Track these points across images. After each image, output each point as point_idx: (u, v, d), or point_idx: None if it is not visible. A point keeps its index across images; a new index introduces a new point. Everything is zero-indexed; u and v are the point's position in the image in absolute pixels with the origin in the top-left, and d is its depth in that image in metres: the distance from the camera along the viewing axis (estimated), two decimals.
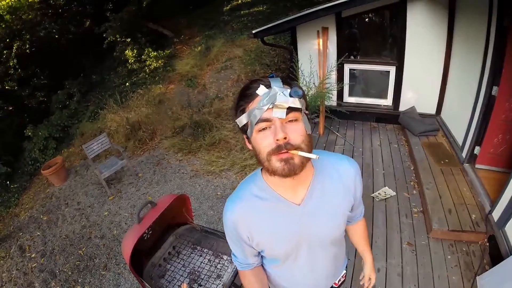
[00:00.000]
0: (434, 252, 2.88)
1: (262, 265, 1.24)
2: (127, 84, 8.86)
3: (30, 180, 6.65)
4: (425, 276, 2.65)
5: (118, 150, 5.51)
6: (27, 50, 9.53)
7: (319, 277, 1.22)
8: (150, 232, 2.14)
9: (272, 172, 0.88)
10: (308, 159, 0.88)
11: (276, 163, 0.85)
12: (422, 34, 4.44)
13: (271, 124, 0.83)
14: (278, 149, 0.83)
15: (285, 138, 0.81)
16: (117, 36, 9.18)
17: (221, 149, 5.57)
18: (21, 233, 4.76)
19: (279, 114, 0.81)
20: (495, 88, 3.18)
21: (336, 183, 1.06)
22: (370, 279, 1.44)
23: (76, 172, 6.05)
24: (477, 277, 2.54)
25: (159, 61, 9.12)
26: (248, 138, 0.92)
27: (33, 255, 4.21)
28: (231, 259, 2.28)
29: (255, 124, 0.84)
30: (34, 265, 4.05)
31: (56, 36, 9.90)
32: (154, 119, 6.91)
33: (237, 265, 1.21)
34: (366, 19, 5.03)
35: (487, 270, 2.57)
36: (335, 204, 1.06)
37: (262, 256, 1.20)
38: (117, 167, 5.05)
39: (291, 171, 0.85)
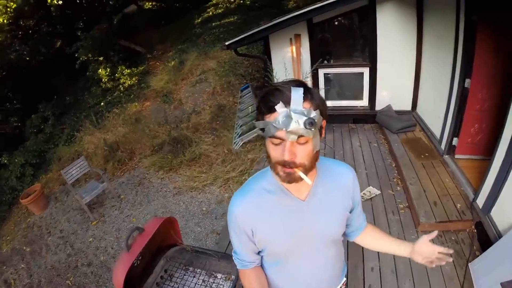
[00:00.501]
0: None
1: (262, 269, 1.25)
2: (102, 103, 8.72)
3: (9, 210, 6.40)
4: (419, 270, 2.66)
5: (98, 173, 5.35)
6: None
7: (320, 278, 1.22)
8: (140, 258, 2.06)
9: (276, 175, 0.97)
10: (310, 169, 0.95)
11: (280, 171, 0.93)
12: (393, 34, 4.57)
13: (283, 142, 0.89)
14: (283, 163, 0.91)
15: (291, 159, 0.89)
16: (89, 55, 9.05)
17: (202, 164, 5.51)
18: (4, 267, 4.54)
19: (291, 138, 0.86)
20: (467, 81, 3.29)
21: (336, 184, 1.12)
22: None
23: (56, 198, 5.84)
24: (469, 264, 2.59)
25: (133, 79, 9.02)
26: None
27: None
28: (225, 277, 2.23)
29: (269, 137, 0.90)
30: None
31: (27, 58, 9.72)
32: (132, 138, 6.79)
33: (237, 264, 1.22)
34: (337, 24, 5.16)
35: (478, 256, 2.62)
36: (336, 203, 1.12)
37: (262, 258, 1.21)
38: (98, 190, 4.91)
39: (292, 181, 0.94)
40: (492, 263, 2.34)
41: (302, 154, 0.90)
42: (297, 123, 0.84)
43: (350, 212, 1.19)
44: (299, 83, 0.90)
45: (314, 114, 0.86)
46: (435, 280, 2.56)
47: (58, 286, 3.87)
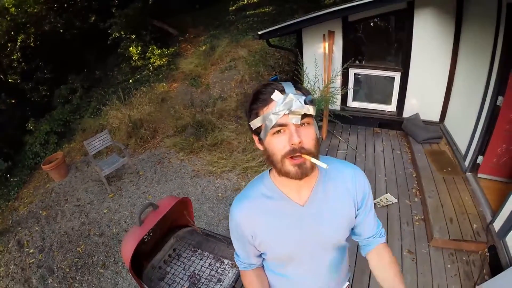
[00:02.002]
0: (434, 260, 2.86)
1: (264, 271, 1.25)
2: (131, 81, 8.86)
3: (30, 174, 6.64)
4: (425, 285, 2.63)
5: (120, 148, 5.50)
6: (31, 44, 9.52)
7: (321, 283, 1.21)
8: (151, 234, 2.13)
9: (285, 174, 0.93)
10: (317, 158, 0.92)
11: (289, 167, 0.90)
12: (428, 41, 4.42)
13: (286, 129, 0.88)
14: (292, 152, 0.88)
15: (299, 142, 0.87)
16: (122, 32, 9.17)
17: (223, 150, 5.57)
18: (19, 228, 4.74)
19: (294, 120, 0.86)
20: (500, 98, 3.17)
21: (339, 186, 1.08)
22: None
23: (76, 168, 6.04)
24: (477, 287, 2.53)
25: (163, 59, 9.10)
26: (260, 139, 0.96)
27: (31, 251, 4.21)
28: (232, 264, 2.27)
29: (271, 128, 0.88)
30: (32, 260, 4.04)
31: (61, 31, 9.87)
32: (156, 118, 6.91)
33: (239, 265, 1.23)
34: (373, 24, 5.03)
35: (486, 280, 2.56)
36: (338, 207, 1.08)
37: (265, 260, 1.21)
38: (118, 164, 5.05)
39: (303, 174, 0.91)
40: None
41: (308, 139, 0.89)
42: (299, 102, 0.86)
43: (356, 217, 1.13)
44: (283, 80, 0.93)
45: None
46: None
47: (68, 252, 4.02)
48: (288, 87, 0.89)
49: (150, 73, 8.90)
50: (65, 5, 9.88)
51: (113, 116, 7.08)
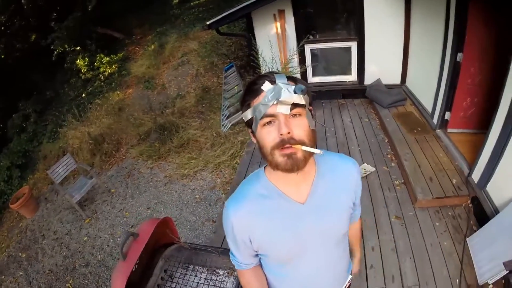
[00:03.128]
0: (422, 221, 2.92)
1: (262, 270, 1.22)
2: (83, 95, 8.48)
3: (0, 216, 6.21)
4: (418, 247, 2.69)
5: (85, 169, 5.21)
6: None
7: (324, 280, 1.18)
8: (137, 263, 1.99)
9: (275, 166, 0.89)
10: (311, 154, 0.89)
11: (279, 157, 0.87)
12: (380, 6, 4.45)
13: (276, 119, 0.85)
14: (281, 143, 0.85)
15: (288, 133, 0.83)
16: (66, 46, 8.81)
17: (191, 150, 5.41)
18: (3, 276, 4.42)
19: (283, 109, 0.83)
20: (459, 55, 3.23)
21: (338, 181, 1.06)
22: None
23: (46, 199, 5.70)
24: (467, 239, 2.62)
25: (113, 66, 8.75)
26: (253, 132, 0.93)
27: None
28: (228, 273, 2.19)
29: (260, 119, 0.85)
30: None
31: (2, 56, 9.39)
32: (117, 129, 6.61)
33: (235, 265, 1.19)
34: None
35: (475, 231, 2.65)
36: (338, 200, 1.05)
37: (263, 260, 1.18)
38: (87, 187, 4.79)
39: (294, 165, 0.86)
40: (490, 238, 2.37)
41: (299, 130, 0.85)
42: (288, 91, 0.83)
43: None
44: (277, 72, 0.90)
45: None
46: (434, 256, 2.59)
47: None
48: (280, 78, 0.86)
49: (102, 83, 8.54)
50: (2, 27, 9.31)
51: (72, 136, 6.70)
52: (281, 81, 0.85)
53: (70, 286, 3.76)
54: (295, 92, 0.83)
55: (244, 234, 1.03)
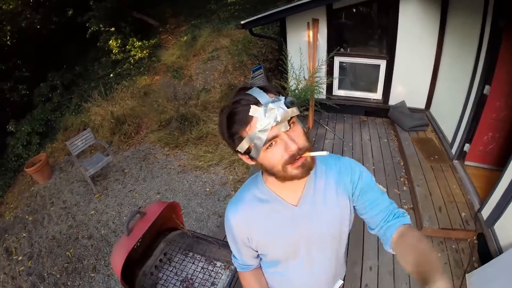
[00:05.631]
0: None
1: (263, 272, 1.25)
2: (112, 75, 8.64)
3: (14, 177, 6.47)
4: None
5: (103, 146, 5.36)
6: (8, 42, 9.20)
7: (317, 281, 1.21)
8: (140, 241, 2.06)
9: (290, 179, 0.89)
10: (311, 148, 0.89)
11: (293, 171, 0.87)
12: (414, 29, 4.41)
13: (278, 139, 0.83)
14: (292, 158, 0.84)
15: (296, 146, 0.83)
16: (101, 25, 8.93)
17: (209, 143, 5.49)
18: (6, 235, 4.60)
19: (283, 128, 0.82)
20: (487, 87, 3.18)
21: (331, 179, 1.05)
22: None
23: (60, 169, 5.88)
24: (467, 275, 2.57)
25: (144, 52, 8.87)
26: (251, 157, 0.89)
27: (20, 258, 4.09)
28: (225, 266, 2.24)
29: (263, 145, 0.83)
30: (22, 268, 3.93)
31: (38, 27, 9.55)
32: (139, 112, 6.76)
33: (236, 266, 1.23)
34: (357, 11, 4.96)
35: (476, 268, 2.61)
36: (332, 200, 1.04)
37: (262, 260, 1.21)
38: (102, 163, 4.93)
39: (309, 170, 0.89)
40: (490, 277, 2.32)
41: (299, 137, 0.86)
42: (281, 109, 0.80)
43: (355, 206, 1.07)
44: (246, 88, 0.87)
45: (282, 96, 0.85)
46: None
47: (58, 257, 3.92)
48: (259, 95, 0.82)
49: (131, 67, 8.68)
50: (41, 0, 9.46)
51: (95, 112, 6.89)
52: (264, 100, 0.81)
53: (70, 254, 3.89)
54: (287, 107, 0.81)
55: (243, 235, 1.08)
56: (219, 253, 2.33)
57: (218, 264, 2.29)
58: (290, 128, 0.83)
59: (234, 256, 1.21)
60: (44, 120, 7.70)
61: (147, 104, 7.02)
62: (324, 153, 0.87)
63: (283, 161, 0.85)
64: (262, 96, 0.82)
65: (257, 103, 0.81)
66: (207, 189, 4.49)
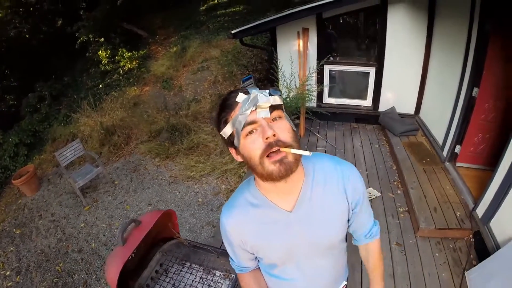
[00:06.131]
0: (422, 250, 2.91)
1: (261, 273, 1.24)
2: (101, 86, 8.59)
3: (0, 190, 6.26)
4: (416, 275, 2.67)
5: (93, 157, 5.26)
6: None
7: (317, 286, 1.19)
8: (135, 251, 1.99)
9: (268, 176, 0.86)
10: (300, 156, 0.87)
11: (270, 165, 0.84)
12: (402, 36, 4.52)
13: (257, 126, 0.83)
14: (269, 147, 0.82)
15: (274, 135, 0.81)
16: (90, 36, 8.92)
17: (200, 153, 5.45)
18: None
19: (263, 114, 0.82)
20: (475, 90, 3.26)
21: (329, 185, 1.02)
22: None
23: (48, 180, 5.74)
24: (466, 273, 2.59)
25: (134, 62, 8.87)
26: (236, 149, 0.91)
27: (7, 273, 3.92)
28: (224, 275, 2.19)
29: (242, 130, 0.84)
30: (10, 284, 3.77)
31: (27, 36, 9.52)
32: (129, 123, 6.70)
33: (234, 268, 1.22)
34: (347, 20, 5.08)
35: (474, 265, 2.63)
36: (330, 207, 1.02)
37: (260, 262, 1.20)
38: (92, 175, 4.83)
39: (288, 170, 0.84)
40: (489, 274, 2.34)
41: (283, 132, 0.84)
42: (263, 95, 0.83)
43: (349, 219, 1.11)
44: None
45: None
46: (432, 286, 2.56)
47: (47, 272, 3.78)
48: (253, 88, 0.86)
49: (121, 77, 8.65)
50: (31, 9, 9.46)
51: (84, 123, 6.79)
52: (253, 90, 0.85)
53: (59, 269, 3.76)
54: (270, 95, 0.83)
55: (237, 239, 1.07)
56: (217, 262, 2.27)
57: (217, 273, 2.22)
58: (273, 120, 0.84)
59: (231, 258, 1.20)
60: (32, 131, 7.57)
61: (137, 114, 6.97)
62: (307, 153, 0.84)
63: (260, 151, 0.83)
64: (254, 89, 0.86)
65: (246, 92, 0.85)
66: (200, 200, 4.44)
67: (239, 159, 0.93)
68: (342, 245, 1.17)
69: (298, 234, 1.01)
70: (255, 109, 0.82)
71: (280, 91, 0.86)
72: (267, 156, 0.83)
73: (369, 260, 1.26)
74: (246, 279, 1.21)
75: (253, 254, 1.12)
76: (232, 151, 0.94)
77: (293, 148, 0.83)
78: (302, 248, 1.05)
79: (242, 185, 1.10)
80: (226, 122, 0.87)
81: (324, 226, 1.03)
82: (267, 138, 0.81)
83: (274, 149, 0.82)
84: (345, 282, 1.35)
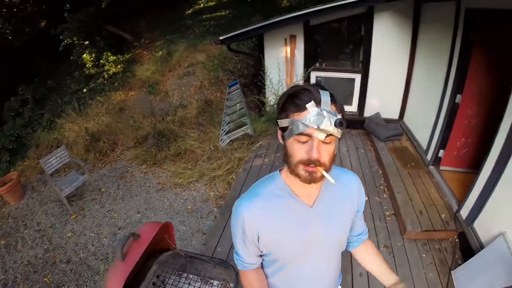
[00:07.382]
0: (410, 252, 3.00)
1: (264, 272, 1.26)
2: (85, 90, 8.44)
3: None
4: (404, 276, 2.74)
5: (79, 164, 5.16)
6: None
7: (320, 283, 1.23)
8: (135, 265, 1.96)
9: (295, 176, 0.96)
10: (328, 171, 0.95)
11: (301, 171, 0.93)
12: (387, 43, 4.66)
13: (309, 139, 0.90)
14: (307, 162, 0.91)
15: (317, 157, 0.89)
16: (75, 38, 8.73)
17: (188, 160, 5.38)
18: None
19: (320, 136, 0.88)
20: (458, 96, 3.40)
21: (343, 190, 1.14)
22: None
23: (33, 188, 5.57)
24: (452, 272, 2.69)
25: (118, 66, 8.76)
26: (283, 133, 0.97)
27: None
28: (222, 284, 2.19)
29: (295, 134, 0.90)
30: None
31: (10, 38, 9.22)
32: (115, 128, 6.57)
33: (238, 265, 1.23)
34: (334, 28, 5.18)
35: (459, 264, 2.74)
36: (342, 208, 1.14)
37: (264, 261, 1.23)
38: (78, 182, 4.72)
39: (312, 181, 0.94)
40: (475, 272, 2.44)
41: (326, 154, 0.91)
42: (329, 122, 0.86)
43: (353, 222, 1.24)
44: (322, 87, 0.93)
45: (340, 116, 0.89)
46: (419, 286, 2.64)
47: (35, 284, 3.66)
48: (325, 99, 0.88)
49: (105, 81, 8.53)
50: (14, 9, 9.09)
51: (68, 129, 6.65)
52: (325, 106, 0.87)
53: (47, 280, 3.64)
54: (335, 125, 0.87)
55: (253, 230, 1.09)
56: (215, 272, 2.26)
57: (215, 283, 2.21)
58: (325, 143, 0.90)
59: (236, 253, 1.21)
60: (14, 136, 7.39)
61: (122, 120, 6.86)
62: (332, 181, 0.93)
63: (300, 159, 0.92)
64: (326, 102, 0.88)
65: (318, 103, 0.88)
66: (189, 207, 4.39)
67: (281, 141, 1.00)
68: (344, 245, 1.24)
69: (316, 229, 1.09)
70: (316, 128, 0.86)
71: (345, 122, 0.89)
72: (303, 163, 0.92)
73: (374, 254, 1.33)
74: (249, 276, 1.22)
75: (261, 250, 1.15)
76: (279, 133, 1.00)
77: (326, 170, 0.92)
78: (317, 242, 1.11)
79: (264, 179, 1.15)
80: (286, 116, 0.93)
81: (339, 223, 1.14)
82: (311, 157, 0.89)
83: (311, 165, 0.91)
84: (340, 287, 1.42)
